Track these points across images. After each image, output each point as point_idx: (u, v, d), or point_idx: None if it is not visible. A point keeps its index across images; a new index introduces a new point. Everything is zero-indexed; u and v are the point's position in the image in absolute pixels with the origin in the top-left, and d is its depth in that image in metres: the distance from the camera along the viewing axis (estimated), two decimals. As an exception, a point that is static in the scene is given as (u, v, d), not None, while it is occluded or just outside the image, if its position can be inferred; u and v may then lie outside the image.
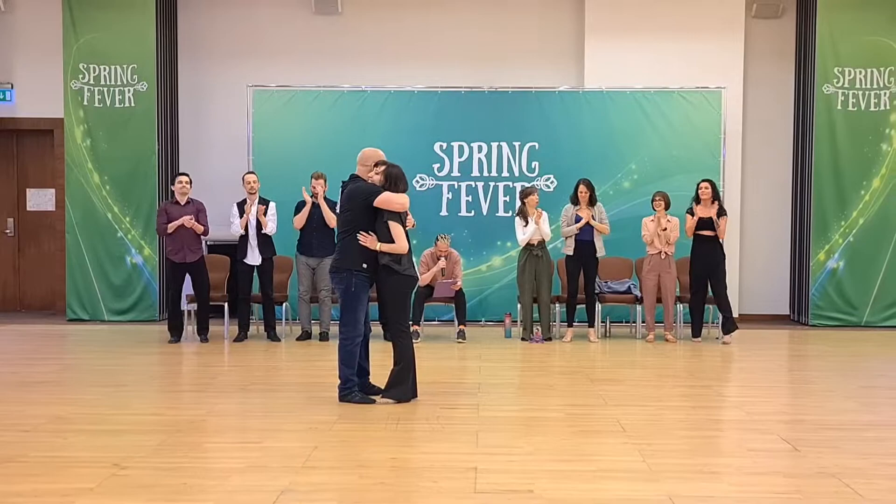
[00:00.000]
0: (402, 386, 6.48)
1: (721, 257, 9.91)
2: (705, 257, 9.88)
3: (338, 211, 6.83)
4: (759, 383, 7.68)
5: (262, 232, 9.71)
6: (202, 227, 9.57)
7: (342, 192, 6.66)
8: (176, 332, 9.67)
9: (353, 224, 6.43)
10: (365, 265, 6.39)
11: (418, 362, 6.71)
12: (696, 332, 10.07)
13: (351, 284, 6.40)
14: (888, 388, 7.44)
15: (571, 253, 9.98)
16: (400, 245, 6.40)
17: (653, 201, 10.03)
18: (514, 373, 8.28)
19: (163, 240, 10.14)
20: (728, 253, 11.52)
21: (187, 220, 9.43)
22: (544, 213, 10.00)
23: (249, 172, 10.06)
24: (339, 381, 6.50)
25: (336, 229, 6.75)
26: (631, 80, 11.69)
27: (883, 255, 11.49)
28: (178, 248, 9.54)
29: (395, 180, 6.48)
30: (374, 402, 6.43)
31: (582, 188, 9.94)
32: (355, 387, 6.49)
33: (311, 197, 9.66)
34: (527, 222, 9.89)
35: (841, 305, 11.57)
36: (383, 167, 6.51)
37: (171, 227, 9.48)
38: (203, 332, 9.74)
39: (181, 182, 9.66)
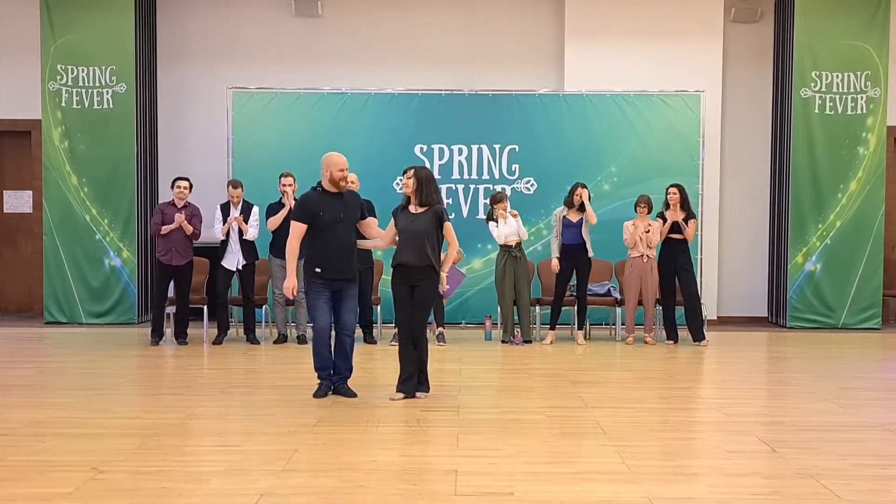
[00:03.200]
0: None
1: (687, 259, 9.95)
2: (671, 259, 9.93)
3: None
4: (737, 385, 7.72)
5: (245, 237, 9.70)
6: (191, 228, 9.51)
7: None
8: (156, 335, 9.64)
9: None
10: (318, 269, 6.60)
11: (398, 364, 6.75)
12: (669, 335, 10.12)
13: (307, 286, 6.76)
14: (866, 390, 7.50)
15: (559, 255, 9.96)
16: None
17: (637, 206, 10.06)
18: (495, 375, 8.28)
19: (153, 240, 10.12)
20: (706, 255, 11.63)
21: (179, 217, 9.40)
22: (517, 213, 9.96)
23: (236, 187, 9.85)
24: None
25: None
26: (611, 84, 11.73)
27: (859, 257, 11.57)
28: (167, 249, 9.51)
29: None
30: (323, 397, 6.63)
31: (580, 190, 9.84)
32: (323, 381, 6.72)
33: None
34: (497, 224, 9.89)
35: (818, 307, 11.64)
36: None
37: (166, 229, 9.43)
38: (181, 335, 9.69)
39: (179, 187, 9.62)
